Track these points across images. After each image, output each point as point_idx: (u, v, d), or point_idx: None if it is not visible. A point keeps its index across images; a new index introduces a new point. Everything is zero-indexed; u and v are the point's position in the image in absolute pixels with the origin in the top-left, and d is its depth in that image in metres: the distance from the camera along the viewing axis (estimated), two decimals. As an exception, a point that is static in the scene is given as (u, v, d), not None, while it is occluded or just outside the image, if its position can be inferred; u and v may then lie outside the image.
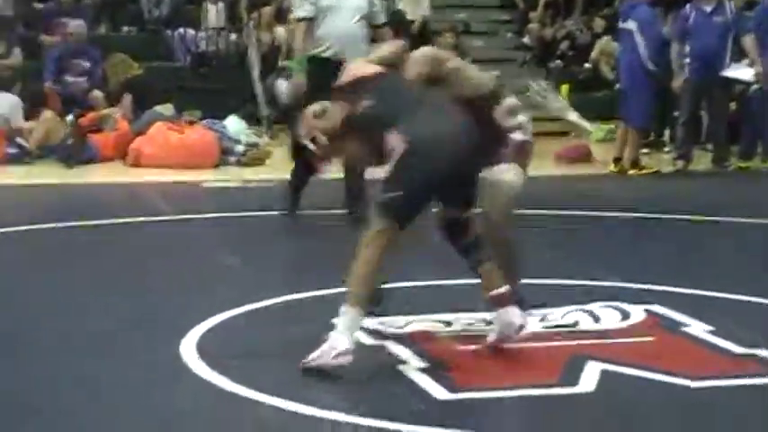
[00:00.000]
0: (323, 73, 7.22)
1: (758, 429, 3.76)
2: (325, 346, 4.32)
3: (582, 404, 4.09)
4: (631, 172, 10.41)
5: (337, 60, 7.32)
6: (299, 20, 7.77)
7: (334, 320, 4.37)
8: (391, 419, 3.81)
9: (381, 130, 4.45)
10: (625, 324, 5.07)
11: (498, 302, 4.58)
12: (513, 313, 4.57)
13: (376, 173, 4.63)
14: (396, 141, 4.40)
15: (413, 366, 4.47)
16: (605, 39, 13.93)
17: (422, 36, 13.68)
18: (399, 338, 4.84)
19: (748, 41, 10.20)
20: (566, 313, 5.22)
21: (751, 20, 10.64)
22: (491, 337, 4.64)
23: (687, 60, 10.29)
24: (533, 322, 5.08)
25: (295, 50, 7.87)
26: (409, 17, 13.73)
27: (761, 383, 4.28)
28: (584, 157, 11.37)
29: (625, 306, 5.27)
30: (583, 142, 12.07)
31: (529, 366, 4.54)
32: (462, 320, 5.11)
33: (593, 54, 14.21)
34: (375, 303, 4.80)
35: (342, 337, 4.32)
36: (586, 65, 14.38)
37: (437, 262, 6.61)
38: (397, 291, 5.72)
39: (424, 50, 4.94)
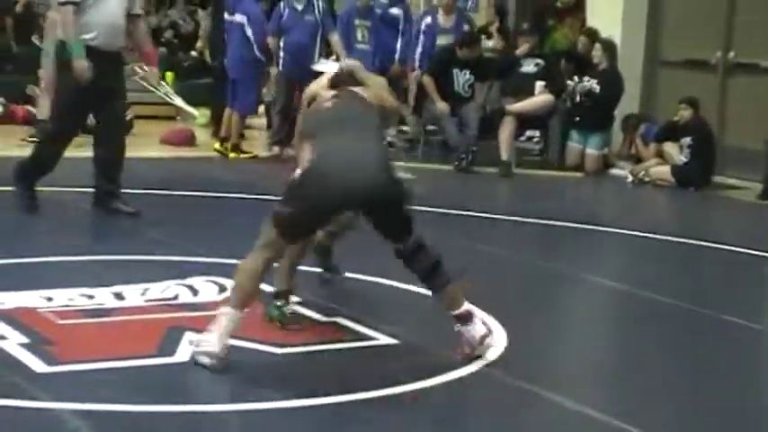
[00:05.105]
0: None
1: (331, 386, 4.20)
2: (202, 341, 4.38)
3: (177, 372, 4.35)
4: (232, 155, 10.78)
5: (101, 50, 7.14)
6: (64, 3, 7.19)
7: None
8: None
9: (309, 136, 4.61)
10: (222, 297, 5.33)
11: (462, 320, 4.61)
12: (475, 329, 4.61)
13: None
14: (307, 153, 4.50)
15: (12, 341, 4.54)
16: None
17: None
18: (-1, 314, 4.90)
19: (335, 39, 10.91)
20: (166, 287, 5.46)
21: (338, 20, 11.42)
22: (460, 352, 4.64)
23: (281, 54, 10.83)
24: (135, 296, 5.30)
25: (65, 35, 7.20)
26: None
27: (340, 347, 4.76)
28: (188, 140, 11.61)
29: (222, 280, 5.55)
30: (187, 127, 12.33)
31: (129, 339, 4.74)
32: (63, 295, 5.23)
33: (199, 43, 14.46)
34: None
35: (212, 339, 4.35)
36: (192, 53, 14.61)
37: (37, 239, 6.69)
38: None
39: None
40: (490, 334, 4.67)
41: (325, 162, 4.46)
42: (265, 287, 4.82)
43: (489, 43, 12.44)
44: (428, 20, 11.76)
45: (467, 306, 4.62)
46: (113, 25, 7.25)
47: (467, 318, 4.60)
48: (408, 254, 4.56)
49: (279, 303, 5.01)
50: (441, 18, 11.75)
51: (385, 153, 4.66)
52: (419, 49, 11.58)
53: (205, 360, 4.33)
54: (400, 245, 4.55)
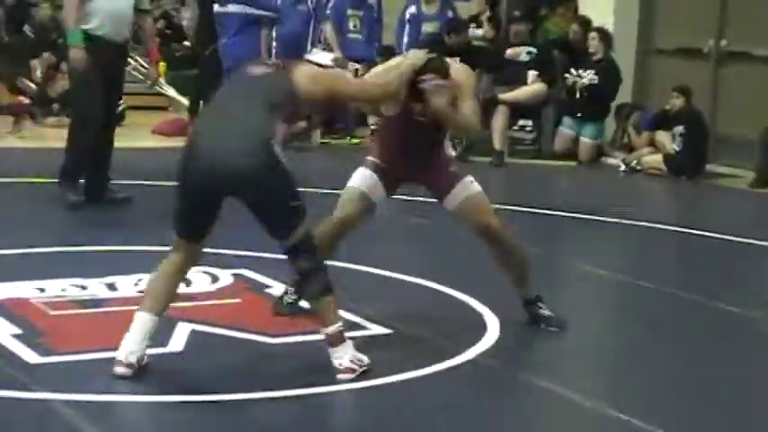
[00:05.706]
0: (92, 50, 7.03)
1: (324, 375, 4.21)
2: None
3: (170, 362, 4.35)
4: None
5: (106, 40, 7.12)
6: None
7: None
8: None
9: None
10: (214, 287, 5.38)
11: (328, 342, 4.21)
12: (343, 358, 4.18)
13: None
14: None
15: (5, 332, 4.55)
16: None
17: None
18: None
19: (328, 29, 10.88)
20: (158, 278, 5.44)
21: (330, 10, 11.38)
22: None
23: (274, 44, 10.79)
24: (128, 287, 5.30)
25: (66, 21, 7.23)
26: None
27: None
28: (181, 131, 11.57)
29: (215, 270, 5.56)
30: (180, 117, 12.30)
31: (122, 329, 4.68)
32: (55, 286, 5.23)
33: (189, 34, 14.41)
34: None
35: (122, 345, 4.14)
36: (185, 42, 14.57)
37: (28, 230, 6.68)
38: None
39: None
40: (360, 369, 4.20)
41: (189, 142, 4.19)
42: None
43: (479, 32, 12.40)
44: (412, 9, 11.66)
45: (338, 327, 4.20)
46: (120, 16, 7.26)
47: (333, 340, 4.19)
48: (287, 252, 4.19)
49: (282, 293, 5.02)
50: (423, 6, 11.65)
51: (264, 136, 4.10)
52: (405, 39, 11.49)
53: (114, 368, 4.11)
54: (281, 241, 4.18)
